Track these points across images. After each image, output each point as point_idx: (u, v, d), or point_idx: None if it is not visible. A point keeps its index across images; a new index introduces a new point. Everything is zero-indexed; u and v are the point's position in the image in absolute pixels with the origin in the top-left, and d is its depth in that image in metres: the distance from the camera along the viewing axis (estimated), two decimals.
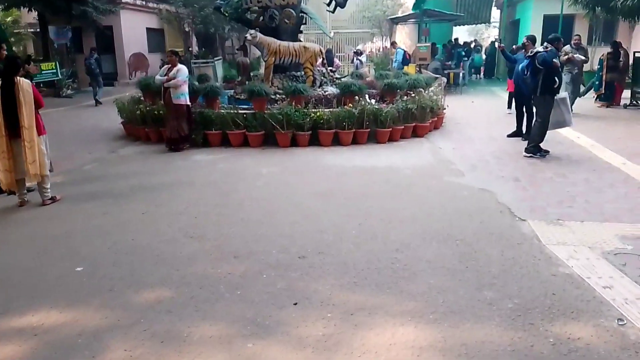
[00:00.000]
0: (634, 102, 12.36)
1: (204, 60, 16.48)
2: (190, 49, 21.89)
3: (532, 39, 8.87)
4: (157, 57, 22.38)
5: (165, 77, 8.02)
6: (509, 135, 9.01)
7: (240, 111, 8.62)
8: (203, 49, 23.16)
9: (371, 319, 3.07)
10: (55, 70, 17.69)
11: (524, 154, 7.52)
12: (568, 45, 10.82)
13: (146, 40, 23.01)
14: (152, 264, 3.86)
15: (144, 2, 22.50)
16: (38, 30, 20.06)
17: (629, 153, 7.49)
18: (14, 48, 24.48)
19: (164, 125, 8.42)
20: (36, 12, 19.09)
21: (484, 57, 22.01)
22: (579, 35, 11.77)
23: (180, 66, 8.08)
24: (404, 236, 4.42)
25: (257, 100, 8.59)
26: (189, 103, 8.22)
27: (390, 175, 6.56)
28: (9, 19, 23.29)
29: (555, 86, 7.27)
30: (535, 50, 7.44)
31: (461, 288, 3.44)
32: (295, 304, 3.25)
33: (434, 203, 5.39)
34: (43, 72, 17.24)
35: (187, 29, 21.58)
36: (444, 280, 3.56)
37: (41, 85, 18.14)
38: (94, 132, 10.39)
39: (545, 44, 7.43)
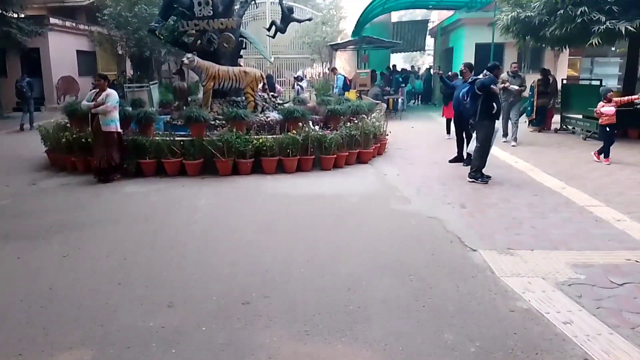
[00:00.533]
0: (564, 126, 12.96)
1: (139, 85, 15.80)
2: (124, 72, 20.99)
3: (469, 66, 9.04)
4: (89, 80, 21.26)
5: (93, 103, 7.48)
6: (451, 161, 9.07)
7: (177, 138, 8.14)
8: (138, 73, 22.32)
9: None
10: None
11: (468, 179, 7.53)
12: (505, 73, 11.17)
13: (76, 63, 21.87)
14: (72, 319, 3.33)
15: (74, 24, 21.45)
16: None
17: (566, 176, 7.69)
18: None
19: (93, 154, 7.78)
20: None
21: (421, 82, 22.67)
22: (516, 63, 12.20)
23: (109, 90, 7.59)
24: (354, 272, 4.14)
25: (195, 127, 8.16)
26: (119, 130, 7.71)
27: (336, 204, 6.32)
28: None
29: (494, 112, 7.39)
30: (475, 77, 7.55)
31: (420, 332, 3.19)
32: None
33: (382, 233, 5.18)
34: None
35: (120, 52, 20.70)
36: (401, 322, 3.30)
37: None
38: (15, 161, 9.51)
39: (485, 71, 7.56)
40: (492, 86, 7.34)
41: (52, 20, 19.92)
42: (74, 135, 8.29)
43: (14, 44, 17.17)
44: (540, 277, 4.07)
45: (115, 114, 7.59)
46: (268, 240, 4.92)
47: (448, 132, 12.10)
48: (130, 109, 10.55)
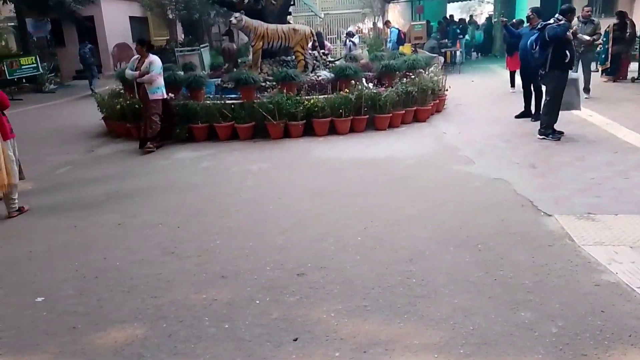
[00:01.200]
0: None
1: (190, 48, 15.71)
2: (174, 36, 21.03)
3: (536, 11, 8.22)
4: None
5: (137, 72, 7.28)
6: (517, 116, 8.40)
7: (227, 101, 7.97)
8: (189, 37, 22.30)
9: (389, 357, 2.50)
10: (35, 65, 16.92)
11: (537, 136, 6.93)
12: (575, 19, 10.11)
13: (130, 30, 22.13)
14: (125, 291, 3.26)
15: None
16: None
17: None
18: None
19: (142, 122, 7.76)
20: (13, 5, 18.23)
21: (481, 34, 21.22)
22: (589, 6, 11.05)
23: (152, 57, 7.29)
24: (415, 241, 3.84)
25: (244, 89, 7.94)
26: (166, 96, 7.50)
27: (392, 167, 5.97)
28: None
29: (567, 60, 6.66)
30: (544, 23, 6.81)
31: (492, 309, 2.87)
32: (295, 339, 2.68)
33: (444, 197, 4.81)
34: (23, 67, 16.50)
35: (170, 16, 20.68)
36: (471, 298, 2.99)
37: (23, 80, 17.42)
38: (74, 129, 9.70)
39: (556, 15, 6.79)
40: (567, 34, 6.60)
41: None
42: (127, 102, 8.30)
43: (67, 13, 17.47)
44: (627, 245, 3.62)
45: (161, 81, 7.35)
46: (321, 207, 4.68)
47: (512, 85, 11.28)
48: (182, 73, 10.53)
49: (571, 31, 9.37)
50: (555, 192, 4.84)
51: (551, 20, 6.73)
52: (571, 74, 6.87)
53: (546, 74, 6.86)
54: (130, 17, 22.04)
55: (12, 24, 21.45)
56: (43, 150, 7.99)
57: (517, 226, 4.06)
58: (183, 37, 23.32)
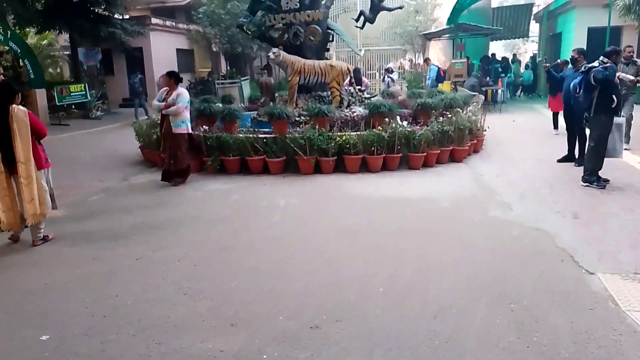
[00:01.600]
0: None
1: (231, 80, 16.06)
2: (217, 69, 21.60)
3: (582, 52, 7.94)
4: (187, 77, 22.23)
5: (164, 103, 7.11)
6: (560, 160, 8.02)
7: (260, 135, 7.97)
8: (233, 69, 22.90)
9: None
10: (84, 92, 17.66)
11: (581, 183, 6.55)
12: None
13: (176, 61, 22.93)
14: (130, 335, 3.13)
15: (173, 23, 22.45)
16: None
17: None
18: (50, 70, 25.01)
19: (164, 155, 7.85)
20: (67, 35, 19.24)
21: (531, 73, 20.67)
22: (631, 46, 10.63)
23: (180, 90, 7.19)
24: (444, 294, 3.58)
25: (277, 124, 7.92)
26: (190, 131, 7.34)
27: (425, 209, 5.72)
28: (44, 41, 23.70)
29: (613, 105, 6.32)
30: (589, 65, 6.51)
31: None
32: None
33: (479, 245, 4.53)
34: (72, 93, 17.24)
35: (215, 49, 21.31)
36: None
37: (72, 106, 18.21)
38: (114, 156, 9.93)
39: (601, 58, 6.48)
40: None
41: (154, 20, 20.98)
42: (162, 132, 8.41)
43: (118, 43, 18.26)
44: None
45: (186, 115, 7.20)
46: (347, 249, 4.48)
47: (555, 127, 10.89)
48: (220, 105, 10.68)
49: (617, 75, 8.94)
50: (600, 246, 4.49)
51: (596, 63, 6.44)
52: (616, 119, 6.51)
53: (591, 119, 6.53)
54: (177, 49, 22.86)
55: (67, 52, 22.66)
56: (82, 175, 8.17)
57: (555, 284, 3.74)
58: (227, 69, 23.99)
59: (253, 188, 6.89)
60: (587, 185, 6.46)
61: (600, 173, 6.54)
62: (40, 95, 16.47)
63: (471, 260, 4.17)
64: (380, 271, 3.98)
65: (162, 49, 21.70)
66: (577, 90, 6.64)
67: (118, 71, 21.90)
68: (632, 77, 8.78)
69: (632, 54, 9.61)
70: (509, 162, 8.24)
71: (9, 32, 15.26)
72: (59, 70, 25.71)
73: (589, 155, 6.59)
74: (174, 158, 7.19)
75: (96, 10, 17.64)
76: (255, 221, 5.38)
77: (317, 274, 3.96)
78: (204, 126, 8.21)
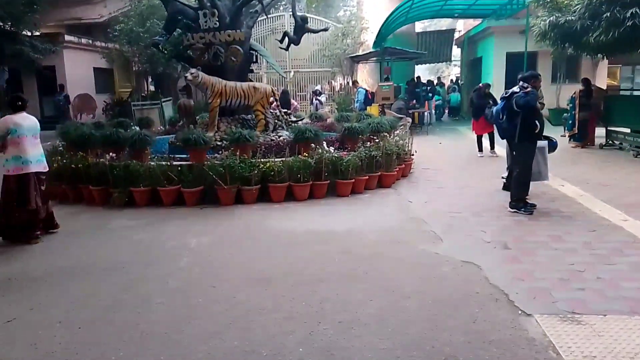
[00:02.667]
0: (610, 141, 11.64)
1: (150, 102, 15.13)
2: (134, 89, 20.48)
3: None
4: (105, 97, 20.87)
5: None
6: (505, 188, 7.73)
7: (175, 162, 7.27)
8: (159, 90, 21.82)
9: None
10: None
11: (509, 209, 6.41)
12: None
13: (93, 80, 21.53)
14: None
15: (90, 41, 21.10)
16: None
17: (625, 205, 6.49)
18: None
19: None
20: None
21: (458, 95, 21.23)
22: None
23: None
24: (370, 354, 3.10)
25: (193, 151, 7.27)
26: (14, 173, 5.49)
27: (351, 244, 5.29)
28: None
29: (537, 131, 6.26)
30: (510, 91, 6.44)
31: None
32: None
33: (408, 288, 4.12)
34: None
35: (135, 68, 20.21)
36: None
37: None
38: None
39: (520, 82, 6.43)
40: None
41: (68, 37, 19.61)
42: (64, 161, 7.50)
43: (26, 62, 16.80)
44: None
45: (12, 150, 5.48)
46: (262, 301, 3.91)
47: (480, 149, 10.99)
48: (137, 128, 9.85)
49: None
50: (533, 282, 4.22)
51: (516, 88, 6.37)
52: (538, 143, 6.46)
53: (516, 145, 6.44)
54: (95, 68, 21.49)
55: None
56: None
57: (491, 331, 3.38)
58: (153, 89, 22.84)
59: (163, 224, 6.17)
60: (515, 212, 6.33)
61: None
62: None
63: (400, 308, 3.74)
64: (298, 328, 3.44)
65: (78, 68, 20.29)
66: (501, 117, 6.55)
67: (28, 91, 20.09)
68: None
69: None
70: (437, 187, 8.05)
71: None
72: None
73: (515, 182, 6.48)
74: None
75: (1, 26, 16.15)
76: (158, 267, 4.68)
77: (223, 336, 3.34)
78: (111, 154, 7.39)
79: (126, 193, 7.01)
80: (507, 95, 6.43)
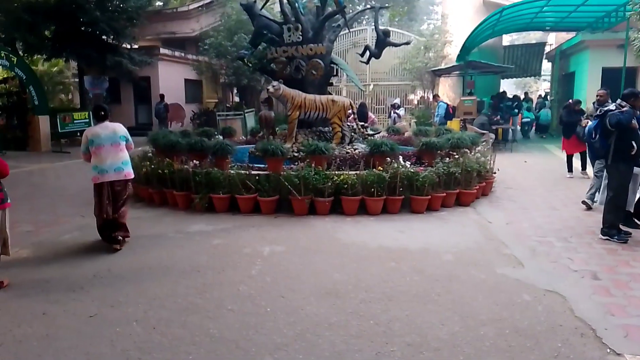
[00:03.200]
0: None
1: (234, 113, 15.75)
2: (221, 100, 21.43)
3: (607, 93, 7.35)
4: (193, 107, 22.06)
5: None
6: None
7: (253, 172, 7.47)
8: (243, 101, 22.74)
9: None
10: (88, 120, 17.47)
11: (600, 236, 5.92)
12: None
13: (184, 91, 22.85)
14: None
15: (182, 54, 22.44)
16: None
17: None
18: (61, 96, 25.09)
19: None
20: (76, 63, 19.25)
21: (549, 112, 19.93)
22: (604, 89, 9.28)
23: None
24: None
25: (271, 160, 7.43)
26: (94, 181, 5.69)
27: (425, 263, 5.11)
28: (54, 69, 23.84)
29: (633, 152, 5.71)
30: (606, 109, 5.96)
31: None
32: None
33: (484, 315, 3.89)
34: (76, 121, 17.08)
35: (222, 80, 21.19)
36: None
37: (77, 134, 18.01)
38: None
39: (618, 101, 5.94)
40: (632, 122, 5.72)
41: (162, 50, 20.99)
42: (152, 166, 7.96)
43: (125, 73, 18.16)
44: None
45: (93, 160, 5.68)
46: (330, 315, 3.87)
47: (570, 169, 10.30)
48: (221, 137, 10.27)
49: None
50: (625, 318, 3.84)
51: (612, 106, 5.90)
52: (635, 169, 5.91)
53: (609, 167, 5.95)
54: (186, 80, 22.80)
55: (76, 80, 22.72)
56: (63, 210, 7.71)
57: None
58: (238, 100, 23.83)
59: (239, 231, 6.33)
60: (607, 239, 5.82)
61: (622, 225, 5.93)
62: (44, 122, 16.33)
63: (474, 336, 3.54)
64: (365, 347, 3.36)
65: (170, 79, 21.64)
66: (593, 136, 6.10)
67: (125, 99, 21.83)
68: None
69: (601, 97, 7.24)
70: (520, 208, 7.62)
71: (16, 59, 15.21)
72: (70, 97, 25.81)
73: (607, 207, 5.98)
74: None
75: (105, 39, 17.62)
76: (232, 273, 4.79)
77: (289, 349, 3.34)
78: (195, 161, 7.74)
79: (206, 199, 7.29)
80: (601, 113, 5.98)
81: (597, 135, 6.03)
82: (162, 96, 19.57)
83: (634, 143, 5.69)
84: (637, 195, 6.16)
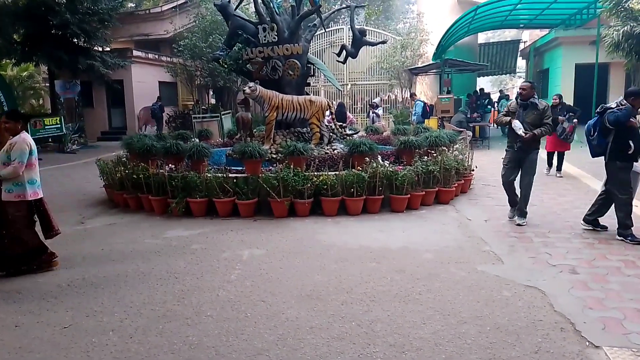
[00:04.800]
0: None
1: (210, 115, 15.59)
2: (198, 102, 21.20)
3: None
4: (170, 110, 21.75)
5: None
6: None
7: (230, 174, 7.37)
8: (220, 103, 22.53)
9: None
10: (59, 125, 17.14)
11: (617, 237, 5.81)
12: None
13: (158, 94, 22.49)
14: None
15: (156, 56, 22.11)
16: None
17: None
18: (32, 101, 24.47)
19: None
20: (46, 67, 18.78)
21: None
22: (527, 82, 8.90)
23: (17, 138, 4.90)
24: None
25: (249, 162, 7.34)
26: (31, 198, 4.97)
27: (405, 262, 5.10)
28: (24, 73, 23.24)
29: (630, 151, 5.69)
30: (606, 106, 5.96)
31: None
32: None
33: (465, 312, 3.90)
34: (47, 127, 16.72)
35: (197, 82, 20.97)
36: None
37: (49, 140, 17.59)
38: (76, 194, 9.27)
39: (620, 98, 5.95)
40: (631, 120, 5.72)
41: (135, 52, 20.63)
42: (126, 171, 7.79)
43: (97, 76, 17.81)
44: None
45: (27, 174, 4.93)
46: (311, 318, 3.82)
47: (549, 165, 10.38)
48: (196, 140, 10.14)
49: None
50: (603, 311, 3.89)
51: (612, 104, 5.90)
52: (635, 166, 5.91)
53: (607, 165, 5.95)
54: (160, 82, 22.45)
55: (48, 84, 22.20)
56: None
57: None
58: (214, 101, 23.60)
59: (217, 235, 6.23)
60: (622, 240, 5.76)
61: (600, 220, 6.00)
62: None
63: (455, 334, 3.53)
64: (347, 349, 3.32)
65: (144, 82, 21.29)
66: (592, 133, 6.07)
67: (98, 103, 21.42)
68: (520, 126, 6.37)
69: (524, 91, 6.50)
70: (498, 204, 7.68)
71: None
72: (41, 101, 25.20)
73: (617, 207, 5.87)
74: (7, 236, 4.93)
75: (76, 42, 17.26)
76: (210, 278, 4.70)
77: (271, 354, 3.28)
78: (170, 165, 7.60)
79: (183, 203, 7.17)
80: (601, 110, 5.97)
81: (595, 133, 6.00)
82: (159, 98, 19.77)
83: (631, 142, 5.65)
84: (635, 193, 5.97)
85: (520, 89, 6.61)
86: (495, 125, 18.89)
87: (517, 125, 6.39)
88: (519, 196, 6.71)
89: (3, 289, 4.60)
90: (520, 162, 6.59)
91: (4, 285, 4.68)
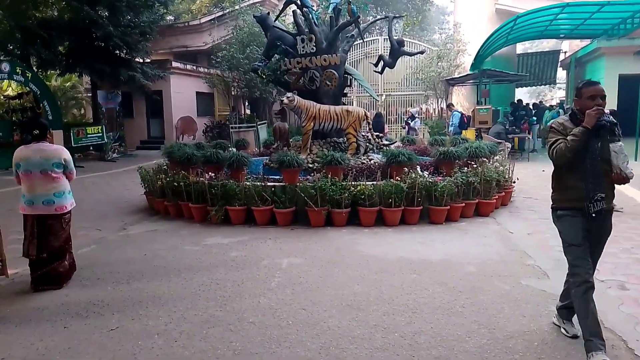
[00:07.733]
0: None
1: (247, 125, 15.81)
2: (235, 112, 21.53)
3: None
4: (205, 120, 22.18)
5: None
6: None
7: (268, 183, 7.43)
8: (255, 113, 22.84)
9: None
10: (101, 134, 17.67)
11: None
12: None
13: (196, 104, 22.99)
14: None
15: (194, 67, 22.63)
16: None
17: None
18: (74, 111, 25.37)
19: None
20: (89, 78, 19.47)
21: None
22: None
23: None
24: None
25: (287, 172, 7.39)
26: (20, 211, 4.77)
27: (447, 274, 5.01)
28: (67, 84, 24.14)
29: None
30: None
31: None
32: None
33: (511, 326, 3.78)
34: (89, 135, 17.26)
35: (234, 93, 21.32)
36: None
37: (90, 148, 18.19)
38: (118, 201, 9.53)
39: None
40: None
41: (174, 64, 21.17)
42: (167, 179, 7.96)
43: (138, 87, 18.34)
44: None
45: (22, 186, 4.78)
46: (352, 328, 3.78)
47: None
48: (234, 150, 10.28)
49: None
50: None
51: None
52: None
53: None
54: (197, 92, 22.96)
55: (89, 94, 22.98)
56: (78, 224, 7.63)
57: None
58: (245, 113, 23.94)
59: (256, 243, 6.28)
60: None
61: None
62: (57, 136, 16.41)
63: (501, 349, 3.43)
64: None
65: (182, 92, 21.82)
66: None
67: (138, 113, 22.05)
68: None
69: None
70: (541, 218, 7.47)
71: (30, 74, 15.43)
72: (82, 111, 26.12)
73: None
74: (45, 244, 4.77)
75: (118, 54, 17.85)
76: (251, 286, 4.73)
77: None
78: (210, 173, 7.72)
79: (222, 211, 7.26)
80: None
81: None
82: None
83: None
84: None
85: (599, 95, 3.34)
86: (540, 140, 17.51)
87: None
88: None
89: (49, 293, 4.73)
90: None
91: (47, 294, 4.82)
